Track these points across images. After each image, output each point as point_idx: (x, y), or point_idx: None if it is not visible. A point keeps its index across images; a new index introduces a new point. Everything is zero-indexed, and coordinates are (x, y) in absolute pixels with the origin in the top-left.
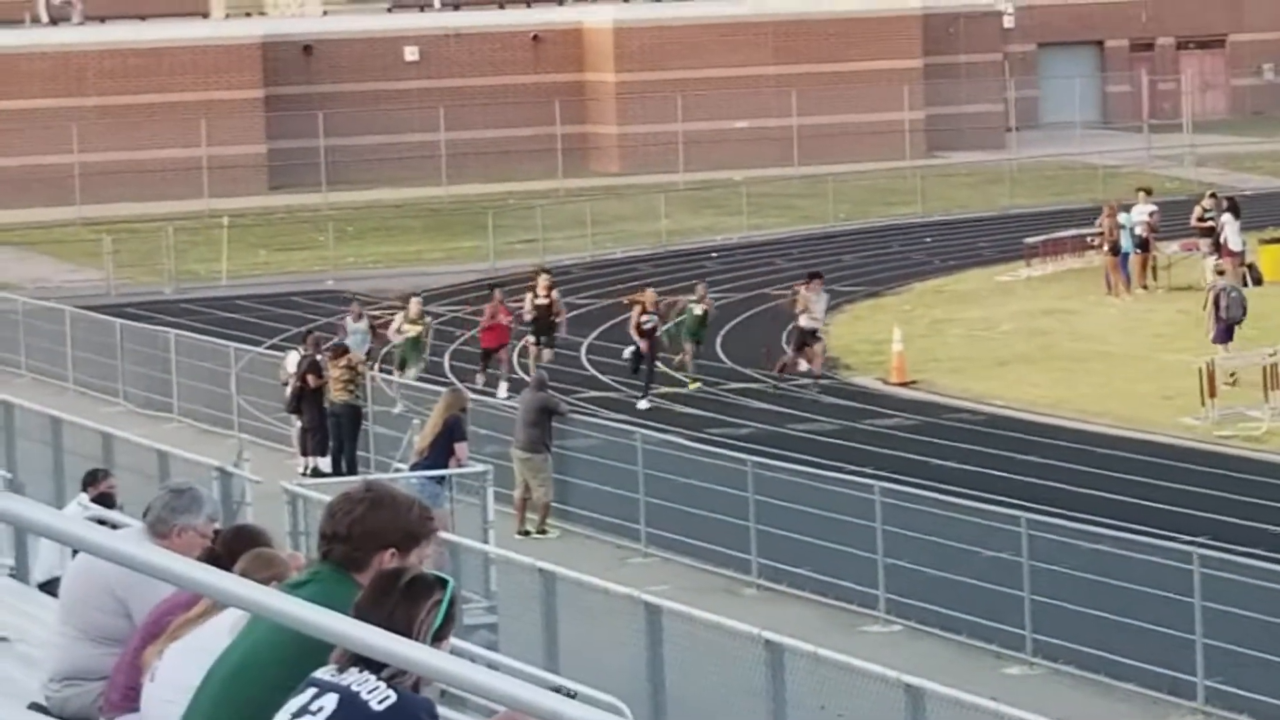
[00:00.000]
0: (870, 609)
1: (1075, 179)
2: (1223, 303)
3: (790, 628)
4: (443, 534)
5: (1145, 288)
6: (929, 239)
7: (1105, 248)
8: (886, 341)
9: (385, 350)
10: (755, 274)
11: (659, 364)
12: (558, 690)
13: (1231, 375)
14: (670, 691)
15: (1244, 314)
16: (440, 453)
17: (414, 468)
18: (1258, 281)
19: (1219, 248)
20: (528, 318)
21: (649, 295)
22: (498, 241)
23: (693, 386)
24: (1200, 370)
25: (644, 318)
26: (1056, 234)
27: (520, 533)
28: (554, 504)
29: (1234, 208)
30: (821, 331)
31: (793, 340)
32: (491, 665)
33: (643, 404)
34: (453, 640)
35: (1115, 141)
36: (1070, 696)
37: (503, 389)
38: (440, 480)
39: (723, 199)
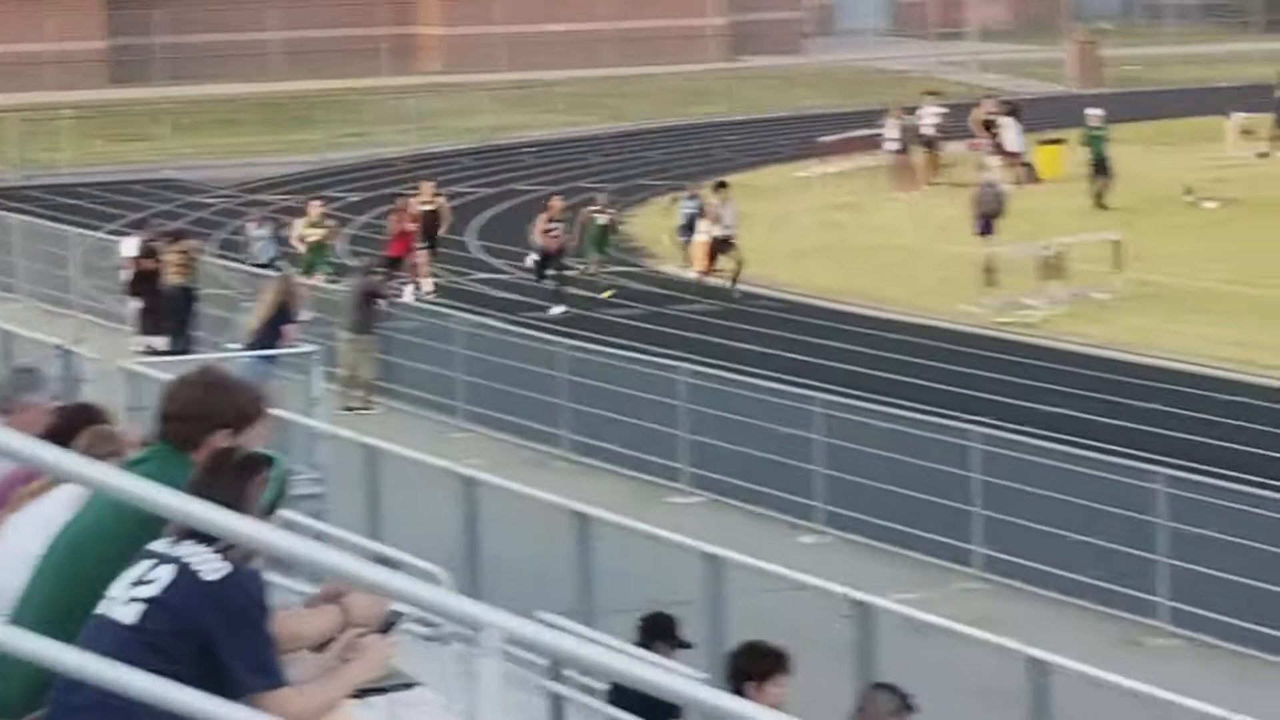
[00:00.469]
0: (674, 482)
1: (867, 83)
2: (983, 198)
3: (598, 499)
4: (272, 410)
5: (931, 185)
6: (731, 137)
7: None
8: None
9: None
10: (570, 169)
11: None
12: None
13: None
14: (486, 559)
15: (1001, 209)
16: (270, 334)
17: (246, 348)
18: (1034, 180)
19: (1000, 149)
20: (411, 225)
21: (555, 204)
22: (326, 134)
23: (606, 294)
24: (984, 261)
25: (550, 225)
26: (849, 133)
27: (345, 409)
28: (378, 382)
29: (1015, 111)
30: (735, 239)
31: (709, 250)
32: (319, 536)
33: (555, 310)
34: (284, 513)
35: (905, 48)
36: (859, 564)
37: (408, 293)
38: (270, 359)
39: (540, 98)
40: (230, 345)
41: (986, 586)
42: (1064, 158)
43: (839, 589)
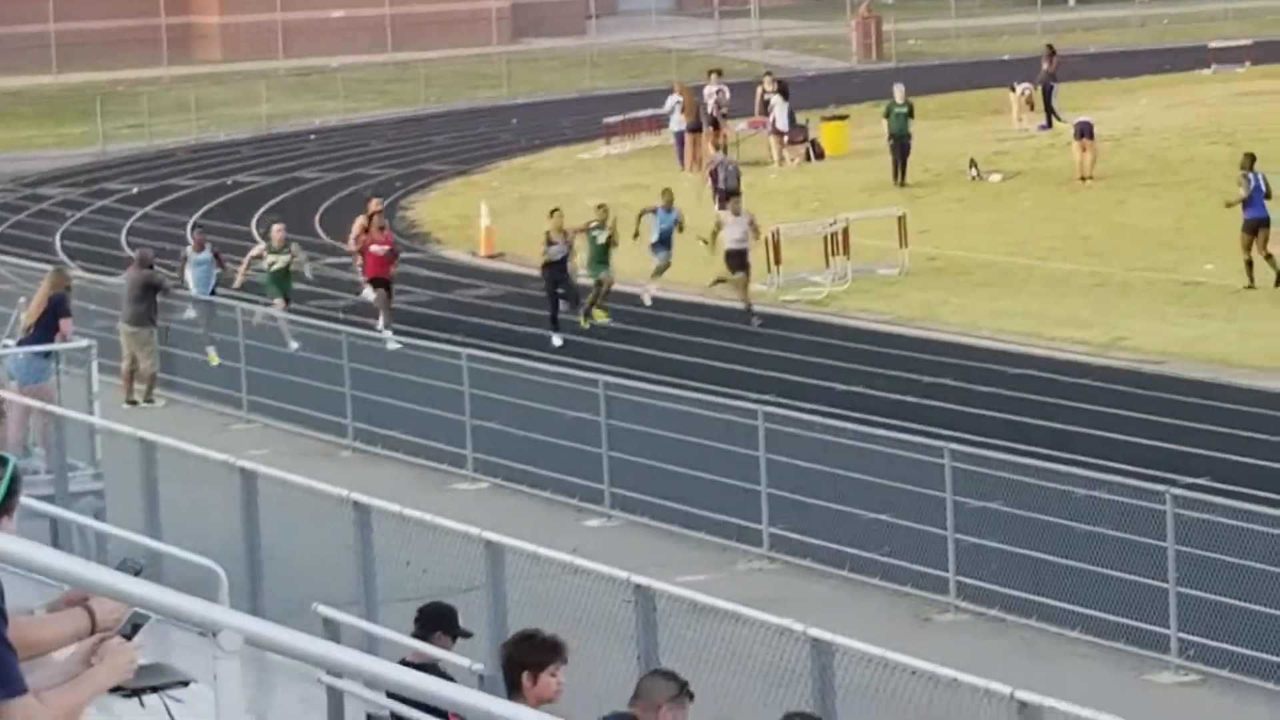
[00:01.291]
0: (459, 468)
1: (651, 62)
2: (720, 175)
3: (383, 488)
4: (49, 406)
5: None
6: (514, 120)
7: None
8: (475, 217)
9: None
10: (351, 155)
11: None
12: (123, 565)
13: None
14: (266, 552)
15: (738, 183)
16: (45, 329)
17: (21, 343)
18: (820, 156)
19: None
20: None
21: (554, 222)
22: (106, 127)
23: (595, 320)
24: (766, 239)
25: (550, 249)
26: (633, 114)
27: (128, 402)
28: (160, 374)
29: (783, 90)
30: (748, 254)
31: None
32: (99, 535)
33: (556, 340)
34: (56, 510)
35: (688, 27)
36: (646, 545)
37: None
38: (46, 355)
39: (320, 84)
40: (6, 341)
41: (775, 566)
42: (848, 134)
43: (621, 574)
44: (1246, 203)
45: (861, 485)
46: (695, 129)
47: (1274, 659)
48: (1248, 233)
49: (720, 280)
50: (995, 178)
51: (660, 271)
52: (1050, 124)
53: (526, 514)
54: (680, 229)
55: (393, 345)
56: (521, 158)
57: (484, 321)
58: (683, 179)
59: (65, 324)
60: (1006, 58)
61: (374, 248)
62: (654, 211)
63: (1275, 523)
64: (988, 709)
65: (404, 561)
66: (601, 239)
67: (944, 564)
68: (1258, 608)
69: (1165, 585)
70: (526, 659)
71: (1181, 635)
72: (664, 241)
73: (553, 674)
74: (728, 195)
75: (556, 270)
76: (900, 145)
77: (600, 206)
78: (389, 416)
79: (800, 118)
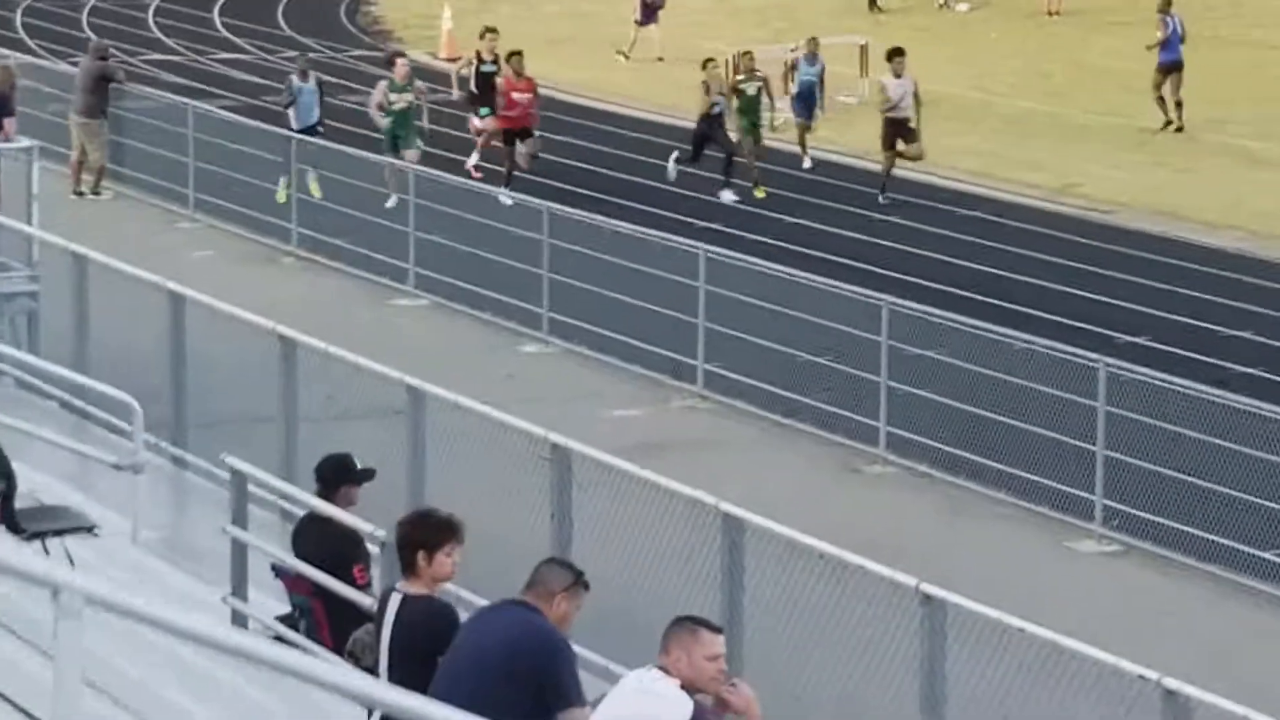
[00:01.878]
0: (400, 284)
1: None
2: None
3: (323, 299)
4: None
5: None
6: None
7: None
8: (438, 18)
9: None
10: None
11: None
12: None
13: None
14: (192, 374)
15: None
16: None
17: None
18: None
19: None
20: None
21: (710, 72)
22: None
23: (760, 193)
24: (729, 60)
25: (714, 98)
26: None
27: (75, 193)
28: (109, 166)
29: None
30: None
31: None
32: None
33: (728, 195)
34: None
35: None
36: (583, 375)
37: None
38: None
39: None
40: None
41: (708, 405)
42: None
43: (539, 431)
44: (1163, 45)
45: (798, 325)
46: None
47: (1199, 533)
48: (1160, 74)
49: (897, 155)
50: (963, 7)
51: (804, 131)
52: None
53: (465, 335)
54: (823, 84)
55: (507, 200)
56: None
57: (441, 128)
58: None
59: (9, 123)
60: None
61: (515, 94)
62: (795, 64)
63: (1209, 391)
64: (894, 598)
65: (325, 395)
66: (751, 90)
67: (876, 414)
68: (1185, 478)
69: (1094, 449)
70: (421, 538)
71: (1106, 503)
72: (805, 98)
73: (448, 554)
74: (653, 10)
75: (713, 125)
76: None
77: (746, 54)
78: (334, 224)
79: None
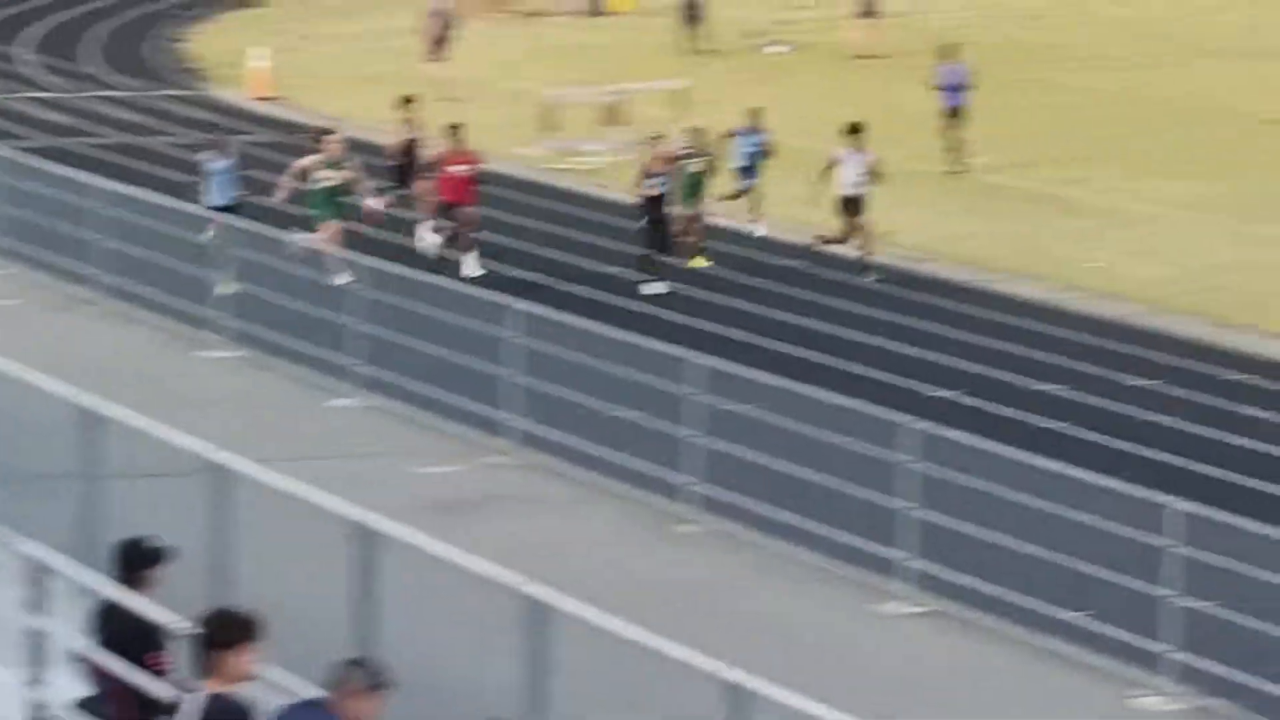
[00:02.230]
0: (211, 333)
1: None
2: (431, 24)
3: (131, 350)
4: None
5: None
6: None
7: None
8: (247, 55)
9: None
10: None
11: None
12: None
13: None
14: None
15: (447, 33)
16: None
17: None
18: (602, 11)
19: None
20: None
21: (658, 149)
22: None
23: (699, 264)
24: (543, 102)
25: (650, 180)
26: None
27: None
28: None
29: None
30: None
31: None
32: None
33: (658, 287)
34: None
35: None
36: (394, 433)
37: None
38: None
39: None
40: None
41: (520, 462)
42: None
43: (340, 508)
44: (945, 91)
45: (609, 381)
46: None
47: (1011, 596)
48: (945, 119)
49: (828, 240)
50: (778, 49)
51: (739, 196)
52: None
53: (274, 389)
54: (767, 155)
55: (475, 271)
56: None
57: (255, 174)
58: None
59: None
60: None
61: (451, 167)
62: (736, 134)
63: (1021, 452)
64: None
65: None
66: (695, 168)
67: (687, 470)
68: (997, 537)
69: (905, 507)
70: (222, 639)
71: (915, 564)
72: (747, 169)
73: (247, 654)
74: (441, 41)
75: (657, 207)
76: (691, 10)
77: (693, 130)
78: (143, 272)
79: None
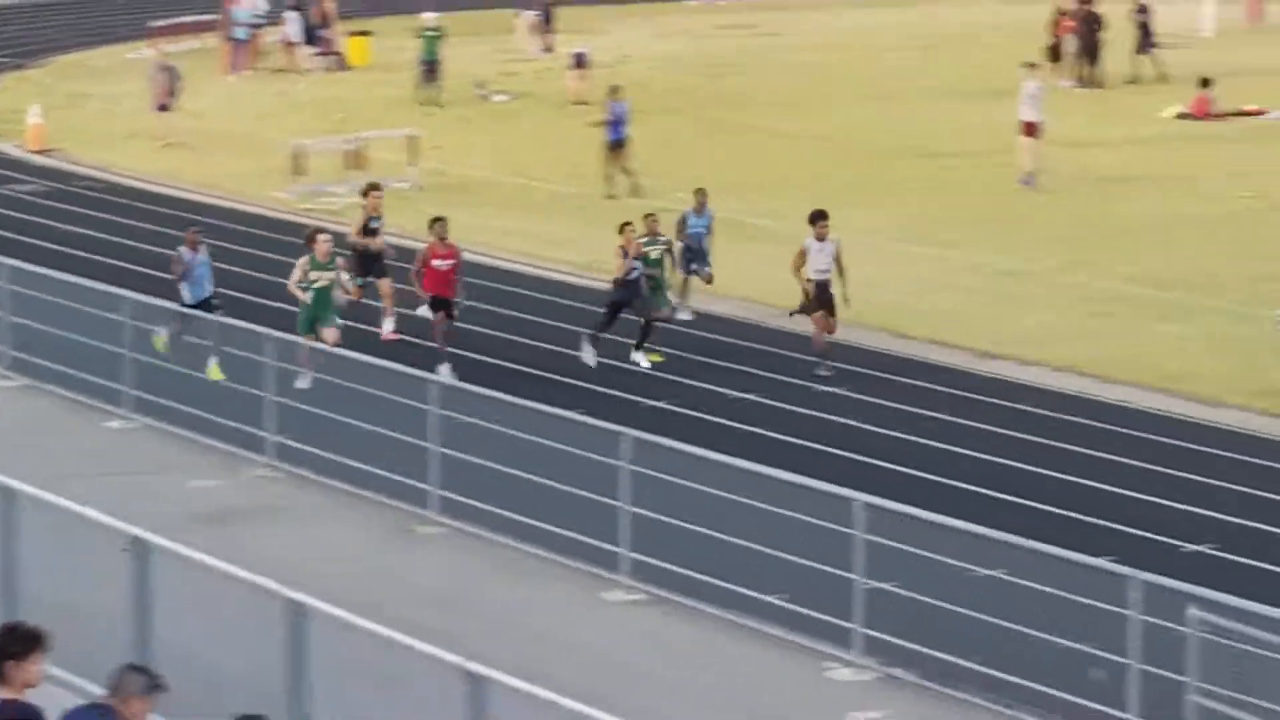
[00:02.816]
0: None
1: None
2: (156, 79)
3: None
4: None
5: (254, 70)
6: (63, 17)
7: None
8: (24, 111)
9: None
10: None
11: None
12: None
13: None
14: None
15: (174, 87)
16: None
17: None
18: (344, 67)
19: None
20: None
21: (628, 234)
22: None
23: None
24: (292, 150)
25: (633, 263)
26: (180, 18)
27: None
28: None
29: (299, 6)
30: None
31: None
32: None
33: (642, 360)
34: None
35: None
36: (161, 448)
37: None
38: None
39: None
40: None
41: (279, 474)
42: (370, 48)
43: (122, 528)
44: (610, 126)
45: (357, 396)
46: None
47: (719, 583)
48: (609, 151)
49: (802, 311)
50: (501, 97)
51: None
52: (550, 50)
53: (51, 413)
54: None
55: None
56: (72, 54)
57: (25, 217)
58: (225, 83)
59: None
60: None
61: (435, 261)
62: (686, 217)
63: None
64: (442, 675)
65: None
66: (655, 254)
67: (426, 477)
68: (707, 532)
69: (618, 504)
70: (10, 650)
71: (633, 555)
72: (692, 249)
73: (34, 662)
74: (165, 99)
75: (631, 289)
76: (429, 67)
77: (649, 217)
78: None
79: (329, 31)
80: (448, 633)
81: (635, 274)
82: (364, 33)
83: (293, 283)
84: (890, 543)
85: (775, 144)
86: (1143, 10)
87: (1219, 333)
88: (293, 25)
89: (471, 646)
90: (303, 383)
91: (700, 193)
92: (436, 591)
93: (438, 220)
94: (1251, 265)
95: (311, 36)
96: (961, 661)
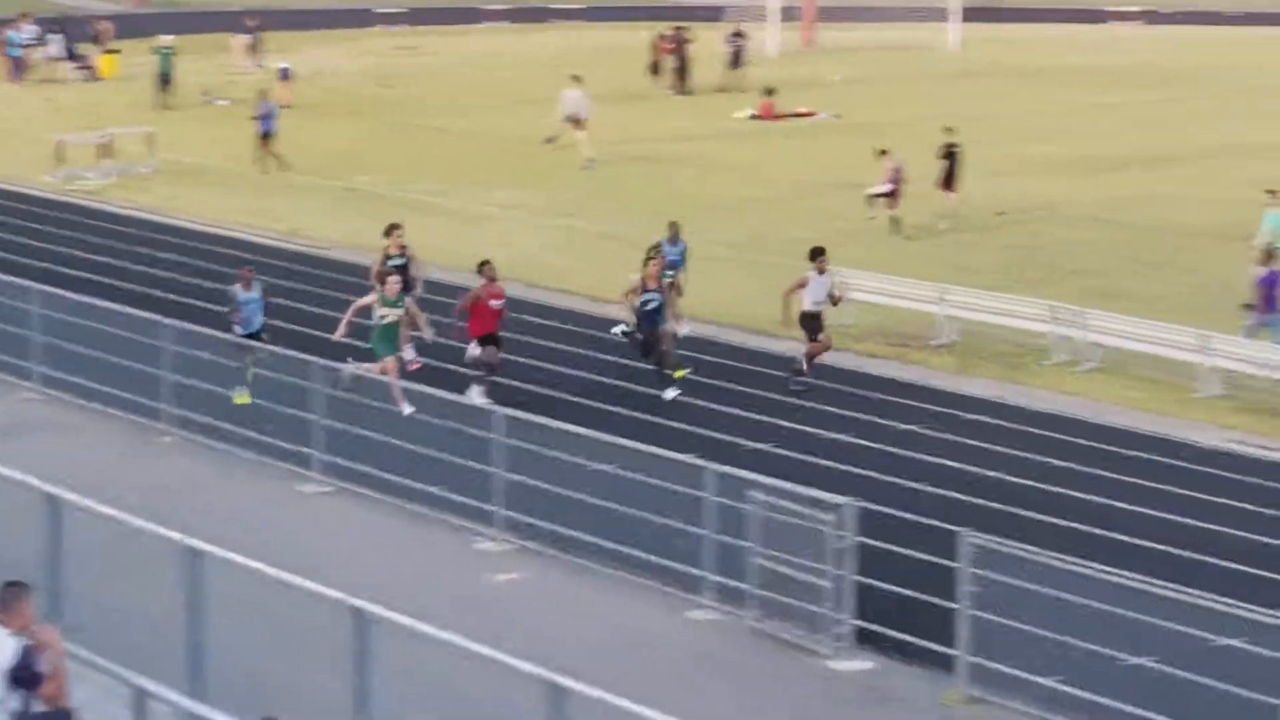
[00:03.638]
0: None
1: None
2: None
3: None
4: None
5: (25, 81)
6: None
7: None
8: None
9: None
10: None
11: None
12: None
13: None
14: None
15: None
16: None
17: None
18: (98, 78)
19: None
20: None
21: (652, 270)
22: None
23: (680, 373)
24: (55, 143)
25: (645, 296)
26: None
27: None
28: None
29: (61, 29)
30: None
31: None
32: None
33: (670, 394)
34: None
35: None
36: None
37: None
38: None
39: None
40: None
41: (43, 397)
42: (119, 63)
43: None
44: (262, 119)
45: (100, 336)
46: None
47: (391, 477)
48: (261, 140)
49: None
50: (222, 102)
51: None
52: (261, 65)
53: None
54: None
55: (478, 399)
56: None
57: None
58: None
59: None
60: (235, 9)
61: (492, 302)
62: (658, 247)
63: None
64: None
65: None
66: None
67: (165, 398)
68: (382, 438)
69: (314, 418)
70: None
71: (323, 457)
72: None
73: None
74: None
75: (651, 321)
76: (164, 81)
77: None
78: None
79: (82, 49)
80: (178, 522)
81: (651, 305)
82: (113, 51)
83: (350, 312)
84: (525, 445)
85: (435, 138)
86: (739, 35)
87: (771, 280)
88: (55, 45)
89: (196, 533)
90: (407, 410)
91: (673, 225)
92: (171, 490)
93: (485, 263)
94: (790, 231)
95: (71, 54)
96: (580, 535)
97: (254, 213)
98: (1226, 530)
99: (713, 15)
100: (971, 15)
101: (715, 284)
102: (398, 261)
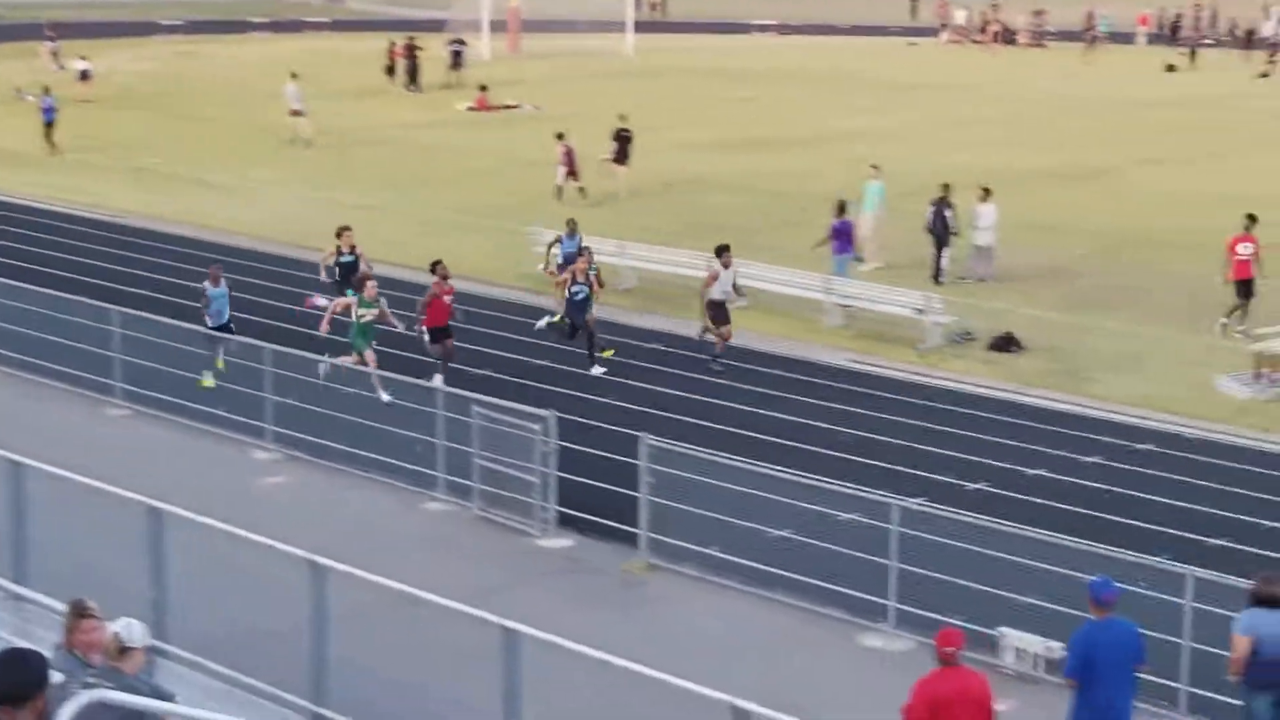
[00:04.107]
0: None
1: None
2: None
3: None
4: None
5: None
6: None
7: None
8: None
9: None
10: None
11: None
12: None
13: None
14: None
15: None
16: None
17: None
18: None
19: None
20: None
21: (580, 265)
22: None
23: (607, 353)
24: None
25: (574, 288)
26: None
27: None
28: None
29: None
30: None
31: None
32: None
33: (596, 370)
34: None
35: None
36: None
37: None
38: None
39: None
40: None
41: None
42: None
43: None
44: (44, 111)
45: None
46: None
47: (184, 403)
48: (47, 128)
49: (708, 330)
50: (32, 98)
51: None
52: (63, 67)
53: None
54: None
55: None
56: None
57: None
58: None
59: None
60: (41, 21)
61: (445, 297)
62: (559, 240)
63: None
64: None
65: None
66: (581, 297)
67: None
68: (181, 374)
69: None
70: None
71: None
72: (565, 268)
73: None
74: None
75: (578, 311)
76: None
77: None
78: None
79: None
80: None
81: (580, 296)
82: None
83: (330, 312)
84: (293, 375)
85: (205, 127)
86: (459, 42)
87: (491, 241)
88: None
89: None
90: (385, 397)
91: (571, 222)
92: (123, 454)
93: (438, 263)
94: (498, 199)
95: None
96: (336, 445)
97: (61, 189)
98: (840, 429)
99: (437, 26)
100: (643, 27)
101: (455, 244)
102: (348, 259)
